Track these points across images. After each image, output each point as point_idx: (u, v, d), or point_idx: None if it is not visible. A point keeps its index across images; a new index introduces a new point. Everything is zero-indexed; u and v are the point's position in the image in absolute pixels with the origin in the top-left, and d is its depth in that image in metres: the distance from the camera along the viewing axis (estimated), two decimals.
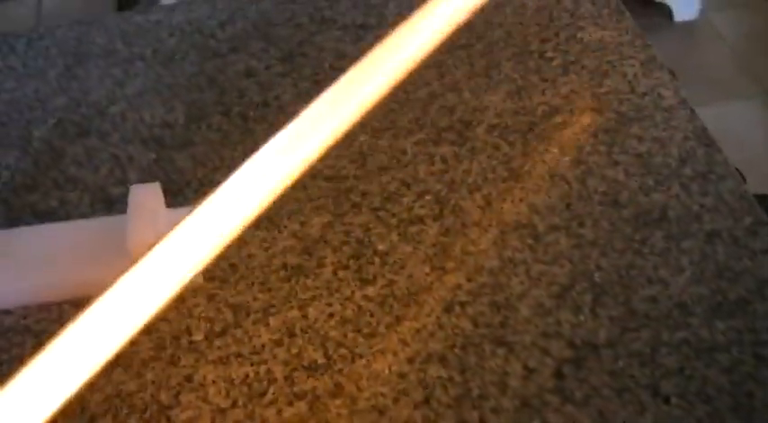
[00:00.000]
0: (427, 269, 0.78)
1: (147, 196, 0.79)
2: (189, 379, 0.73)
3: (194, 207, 0.67)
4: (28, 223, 0.86)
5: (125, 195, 0.84)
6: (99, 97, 0.98)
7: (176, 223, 0.78)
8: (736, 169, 0.84)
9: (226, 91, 0.96)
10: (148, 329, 0.75)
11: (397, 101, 0.92)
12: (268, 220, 0.82)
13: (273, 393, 0.71)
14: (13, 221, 0.86)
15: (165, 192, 0.82)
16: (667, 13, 2.38)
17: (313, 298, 0.76)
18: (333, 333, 0.74)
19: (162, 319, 0.76)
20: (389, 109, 0.91)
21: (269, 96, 0.95)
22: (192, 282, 0.78)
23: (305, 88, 0.95)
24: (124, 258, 0.77)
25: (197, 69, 1.00)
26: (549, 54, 0.96)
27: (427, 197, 0.83)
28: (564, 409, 0.68)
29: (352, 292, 0.76)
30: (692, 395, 0.68)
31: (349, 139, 0.89)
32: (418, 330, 0.74)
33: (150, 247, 0.67)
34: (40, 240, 0.82)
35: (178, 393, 0.72)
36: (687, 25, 2.38)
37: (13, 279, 0.80)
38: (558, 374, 0.70)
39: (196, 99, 0.96)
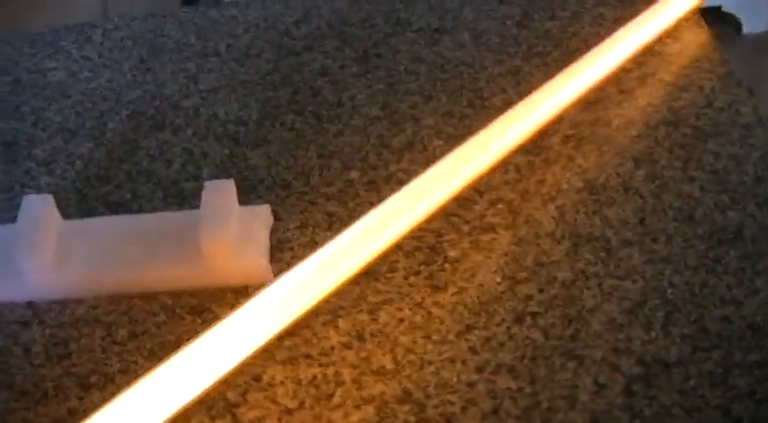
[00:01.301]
0: (498, 278, 0.77)
1: (220, 193, 0.80)
2: (257, 378, 0.73)
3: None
4: (100, 214, 0.86)
5: (197, 190, 0.84)
6: (173, 91, 0.99)
7: (248, 221, 0.79)
8: None
9: (300, 89, 0.96)
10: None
11: (473, 107, 0.91)
12: (340, 222, 0.82)
13: (341, 396, 0.71)
14: (85, 211, 0.87)
15: (238, 189, 0.82)
16: (736, 24, 2.36)
17: (383, 302, 0.76)
18: (402, 338, 0.74)
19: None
20: (464, 115, 0.91)
21: (343, 96, 0.95)
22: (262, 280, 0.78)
23: (379, 89, 0.95)
24: (196, 254, 0.78)
25: (271, 66, 1.00)
26: (627, 65, 0.95)
27: (500, 205, 0.83)
28: None
29: (423, 299, 0.76)
30: (764, 419, 0.67)
31: (423, 144, 0.89)
32: (488, 340, 0.73)
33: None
34: (112, 231, 0.83)
35: (245, 392, 0.72)
36: (757, 38, 2.35)
37: (84, 269, 0.80)
38: (628, 391, 0.70)
39: (270, 97, 0.96)
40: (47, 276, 0.80)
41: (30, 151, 0.94)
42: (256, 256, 0.79)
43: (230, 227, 0.78)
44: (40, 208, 0.82)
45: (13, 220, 0.84)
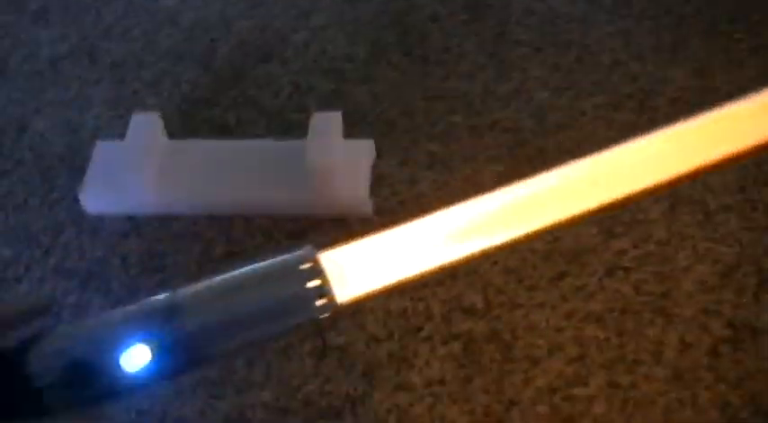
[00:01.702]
0: (594, 230, 0.77)
1: (328, 124, 0.81)
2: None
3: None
4: (204, 137, 0.88)
5: (302, 122, 0.85)
6: (283, 25, 0.99)
7: (352, 153, 0.79)
8: None
9: (408, 32, 0.97)
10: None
11: (581, 62, 0.91)
12: (441, 163, 0.83)
13: (430, 330, 0.72)
14: (190, 133, 0.88)
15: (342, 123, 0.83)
16: None
17: None
18: (495, 280, 0.74)
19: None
20: (570, 69, 0.91)
21: (451, 43, 0.95)
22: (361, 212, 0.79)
23: (487, 38, 0.95)
24: (300, 181, 0.79)
25: (382, 8, 1.00)
26: (738, 35, 0.94)
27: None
28: (716, 387, 0.68)
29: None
30: None
31: (529, 93, 0.89)
32: (579, 288, 0.74)
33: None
34: (217, 153, 0.84)
35: (336, 317, 0.73)
36: None
37: (186, 187, 0.82)
38: (714, 352, 0.70)
39: (379, 36, 0.96)
40: (150, 192, 0.81)
41: (138, 72, 0.95)
42: (359, 188, 0.80)
43: (336, 157, 0.79)
44: (147, 126, 0.83)
45: (120, 136, 0.86)
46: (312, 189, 0.79)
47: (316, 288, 0.42)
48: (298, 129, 0.87)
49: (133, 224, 0.81)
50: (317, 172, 0.78)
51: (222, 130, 0.88)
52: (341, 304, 0.45)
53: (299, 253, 0.42)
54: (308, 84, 0.92)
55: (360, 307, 0.73)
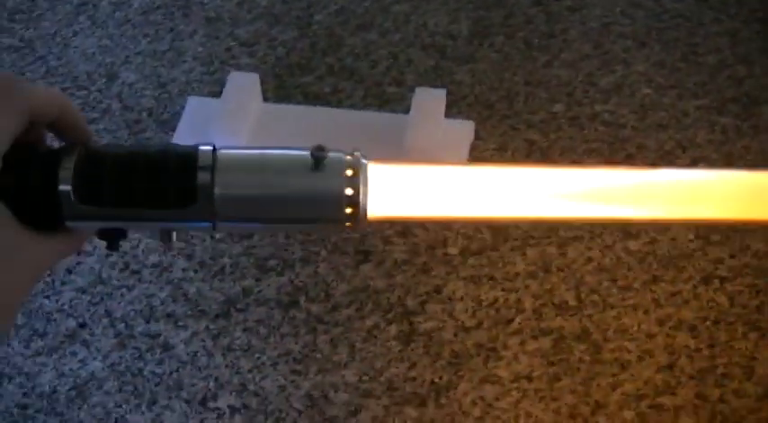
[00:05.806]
0: (692, 236, 0.76)
1: (430, 101, 0.79)
2: (438, 290, 0.73)
3: None
4: (297, 102, 0.86)
5: (399, 95, 0.84)
6: None
7: (452, 133, 0.78)
8: None
9: (513, 14, 0.95)
10: (404, 233, 0.76)
11: (686, 61, 0.90)
12: (539, 152, 0.81)
13: (520, 323, 0.71)
14: (282, 98, 0.87)
15: None
16: None
17: (574, 238, 0.75)
18: (588, 278, 0.73)
19: (420, 225, 0.76)
20: (676, 68, 0.89)
21: (555, 28, 0.93)
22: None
23: (593, 28, 0.93)
24: (396, 157, 0.77)
25: None
26: None
27: (701, 164, 0.81)
28: None
29: (614, 242, 0.75)
30: None
31: (632, 89, 0.87)
32: (673, 294, 0.72)
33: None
34: (312, 121, 0.83)
35: (425, 302, 0.72)
36: None
37: None
38: None
39: (482, 16, 0.95)
40: None
41: (233, 30, 0.94)
42: None
43: (436, 136, 0.78)
44: (245, 86, 0.82)
45: (210, 94, 0.85)
46: None
47: (349, 196, 0.40)
48: (394, 102, 0.85)
49: None
50: (416, 149, 0.77)
51: (316, 98, 0.87)
52: (369, 218, 0.43)
53: (350, 156, 0.41)
54: (407, 57, 0.90)
55: (451, 294, 0.72)
